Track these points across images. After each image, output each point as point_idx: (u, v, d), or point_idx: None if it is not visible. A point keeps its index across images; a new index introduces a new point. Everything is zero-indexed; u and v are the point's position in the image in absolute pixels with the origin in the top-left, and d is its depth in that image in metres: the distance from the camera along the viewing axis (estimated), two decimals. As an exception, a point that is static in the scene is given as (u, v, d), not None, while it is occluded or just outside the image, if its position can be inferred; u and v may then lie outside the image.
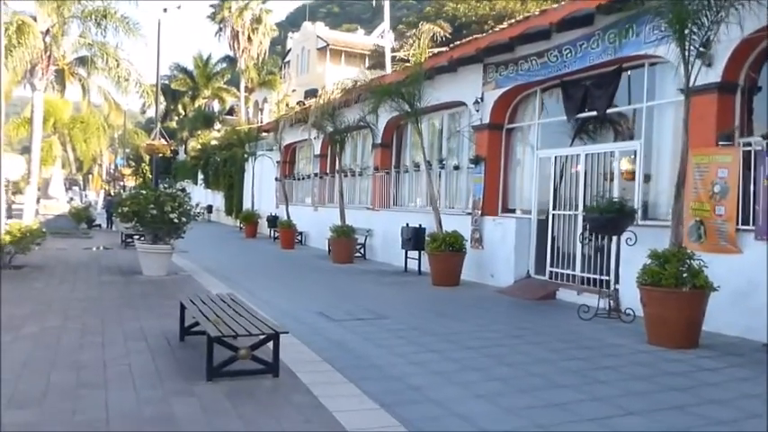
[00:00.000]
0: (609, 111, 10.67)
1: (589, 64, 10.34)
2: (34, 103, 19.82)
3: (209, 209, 37.99)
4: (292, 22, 79.01)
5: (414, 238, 14.18)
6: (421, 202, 15.91)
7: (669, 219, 8.92)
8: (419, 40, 12.37)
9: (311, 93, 43.93)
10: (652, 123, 9.93)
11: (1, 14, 12.33)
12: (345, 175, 18.34)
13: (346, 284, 12.59)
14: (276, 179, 26.70)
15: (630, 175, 10.16)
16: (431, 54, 13.14)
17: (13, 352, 6.22)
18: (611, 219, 8.65)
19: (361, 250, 17.46)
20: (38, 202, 24.59)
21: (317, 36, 50.21)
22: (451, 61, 13.10)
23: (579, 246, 10.83)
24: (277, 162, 26.69)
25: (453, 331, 8.07)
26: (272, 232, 24.81)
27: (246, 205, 29.31)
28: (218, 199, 37.94)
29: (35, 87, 19.90)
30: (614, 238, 9.27)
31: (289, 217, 21.31)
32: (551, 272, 11.51)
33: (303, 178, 24.56)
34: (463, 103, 14.07)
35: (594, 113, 10.91)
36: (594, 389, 5.71)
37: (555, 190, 11.59)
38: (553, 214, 11.56)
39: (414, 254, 14.42)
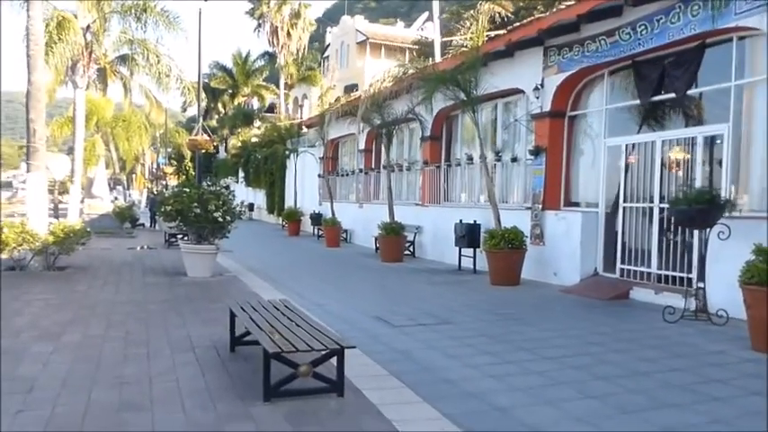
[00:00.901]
0: (690, 92, 9.70)
1: (668, 40, 9.40)
2: (76, 101, 19.60)
3: (251, 207, 37.73)
4: (329, 18, 78.68)
5: (468, 235, 13.41)
6: (474, 196, 15.09)
7: (765, 210, 8.03)
8: (476, 21, 11.53)
9: (351, 88, 43.42)
10: (741, 104, 8.95)
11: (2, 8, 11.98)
12: (392, 170, 17.60)
13: (399, 285, 11.89)
14: (319, 176, 26.13)
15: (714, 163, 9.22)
16: (486, 38, 12.30)
17: (52, 365, 5.67)
18: (701, 210, 7.74)
19: (410, 248, 16.75)
20: (82, 201, 24.53)
21: (357, 30, 49.58)
22: (509, 45, 12.26)
23: (655, 241, 9.93)
24: (320, 158, 26.13)
25: (526, 337, 7.29)
26: (316, 230, 24.26)
27: (289, 203, 28.88)
28: (258, 197, 37.68)
29: (77, 85, 19.69)
30: (695, 233, 8.37)
31: (333, 214, 20.70)
32: (622, 269, 10.62)
33: (347, 174, 23.94)
34: (520, 91, 13.22)
35: (673, 95, 9.96)
36: (711, 408, 4.89)
37: (625, 181, 10.67)
38: (624, 207, 10.65)
39: (468, 251, 13.65)
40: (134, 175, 59.62)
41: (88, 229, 18.86)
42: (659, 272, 9.85)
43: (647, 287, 9.84)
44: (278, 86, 50.34)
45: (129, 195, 51.43)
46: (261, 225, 32.41)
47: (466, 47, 11.95)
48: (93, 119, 26.54)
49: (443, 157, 16.76)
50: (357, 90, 33.88)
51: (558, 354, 6.53)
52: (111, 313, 8.27)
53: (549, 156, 12.05)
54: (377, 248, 17.94)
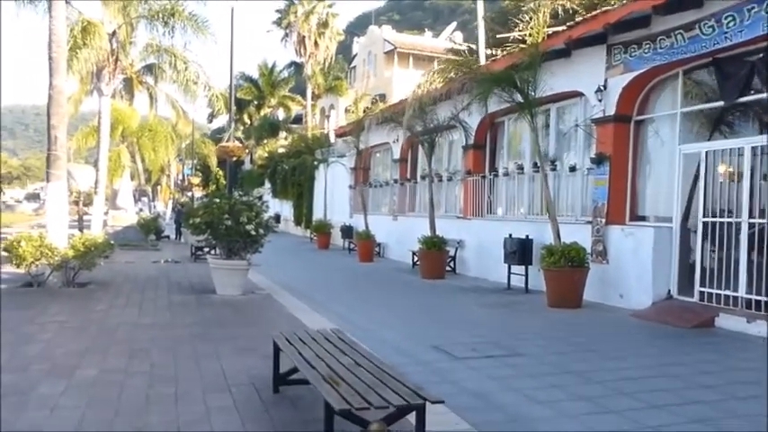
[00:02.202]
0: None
1: (762, 33, 8.25)
2: (101, 109, 18.88)
3: (277, 218, 36.91)
4: (355, 29, 78.16)
5: (519, 251, 12.30)
6: (523, 209, 13.97)
7: None
8: (537, 15, 10.47)
9: (379, 98, 42.56)
10: None
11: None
12: (434, 180, 16.52)
13: (447, 306, 10.80)
14: (350, 187, 25.17)
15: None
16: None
17: (61, 411, 4.69)
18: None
19: (451, 263, 15.66)
20: (106, 213, 23.86)
21: (384, 39, 48.76)
22: (569, 43, 11.19)
23: (744, 260, 8.74)
24: (351, 168, 25.18)
25: (619, 376, 6.16)
26: (347, 243, 23.27)
27: (318, 215, 27.95)
28: (285, 208, 36.85)
29: (102, 93, 18.98)
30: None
31: (367, 227, 19.69)
32: (702, 292, 9.42)
33: (380, 186, 22.92)
34: (576, 94, 12.14)
35: (765, 95, 8.80)
36: None
37: (705, 192, 9.51)
38: (704, 222, 9.48)
39: (518, 269, 12.54)
40: (159, 187, 59.31)
41: (112, 242, 18.09)
42: (749, 296, 8.65)
43: (735, 314, 8.64)
44: (304, 97, 49.70)
45: (155, 207, 51.01)
46: (288, 237, 31.50)
47: (522, 44, 10.86)
48: (118, 128, 25.91)
49: (487, 166, 15.69)
50: (385, 100, 33.00)
51: (669, 400, 5.39)
52: (133, 339, 7.30)
53: (613, 164, 10.92)
54: (414, 264, 16.89)
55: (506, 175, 14.43)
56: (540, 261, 10.87)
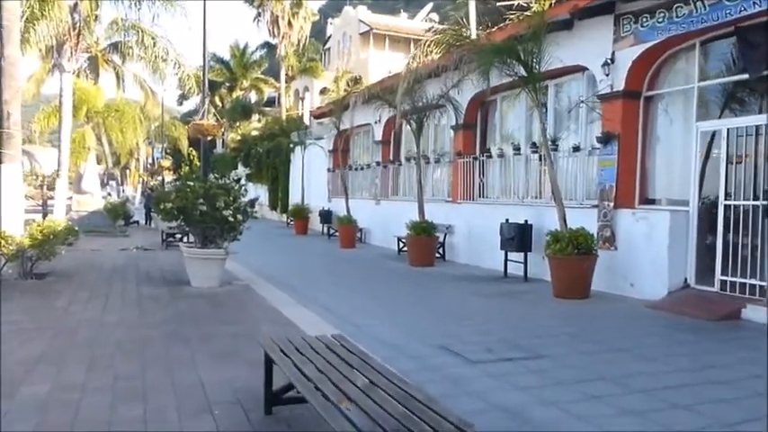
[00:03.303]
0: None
1: (799, -4, 7.47)
2: (62, 86, 17.56)
3: (252, 203, 35.70)
4: (329, 10, 76.42)
5: (518, 237, 11.50)
6: (520, 192, 13.14)
7: None
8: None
9: (354, 80, 41.39)
10: None
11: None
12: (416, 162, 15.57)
13: (445, 297, 9.94)
14: (328, 170, 24.15)
15: None
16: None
17: (-3, 445, 3.72)
18: None
19: (440, 250, 14.80)
20: (70, 198, 22.54)
21: (359, 20, 47.50)
22: (574, 12, 10.32)
23: (770, 247, 8.04)
24: (329, 151, 24.15)
25: (661, 383, 5.34)
26: (326, 228, 22.29)
27: (295, 199, 26.88)
28: (260, 192, 35.63)
29: (63, 69, 17.64)
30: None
31: (349, 212, 18.72)
32: (724, 281, 8.70)
33: (360, 168, 21.93)
34: (579, 69, 11.30)
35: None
36: None
37: (727, 173, 8.76)
38: (725, 205, 8.73)
39: (516, 255, 11.75)
40: (128, 171, 57.52)
41: (76, 228, 16.87)
42: (777, 285, 7.95)
43: (763, 305, 7.91)
44: (277, 79, 48.30)
45: (123, 191, 49.32)
46: (264, 222, 30.28)
47: (524, 11, 9.94)
48: (83, 108, 24.45)
49: (478, 147, 14.83)
50: (361, 82, 31.87)
51: (736, 415, 4.60)
52: (95, 343, 6.30)
53: (622, 143, 10.13)
54: (400, 250, 16.03)
55: (501, 156, 13.56)
56: (544, 248, 10.04)
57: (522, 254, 11.57)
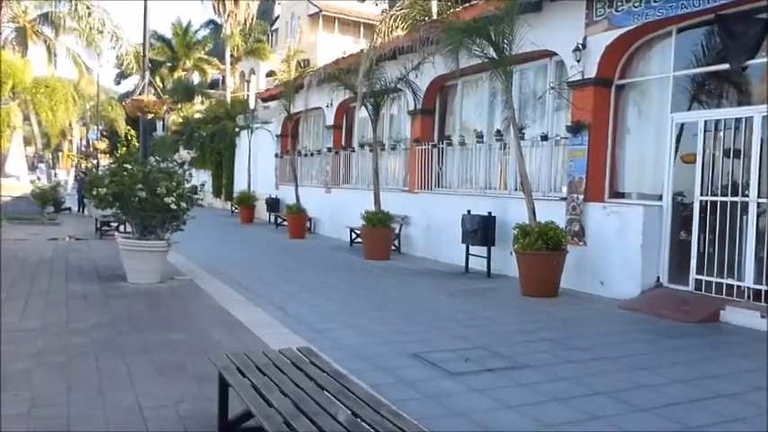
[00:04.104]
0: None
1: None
2: (-15, 58, 16.03)
3: (195, 190, 34.27)
4: (276, -8, 74.45)
5: (481, 230, 10.94)
6: (481, 182, 12.57)
7: None
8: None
9: (302, 63, 40.18)
10: None
11: None
12: (371, 149, 14.81)
13: (407, 294, 9.28)
14: (276, 156, 23.16)
15: None
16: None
17: None
18: None
19: (395, 242, 14.14)
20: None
21: (309, 1, 46.25)
22: (545, -7, 9.76)
23: (751, 246, 7.68)
24: (277, 136, 23.15)
25: (663, 398, 4.80)
26: (273, 217, 21.35)
27: (240, 186, 25.77)
28: (203, 178, 34.22)
29: (-14, 39, 16.09)
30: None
31: (298, 200, 17.85)
32: (699, 281, 8.33)
33: (310, 155, 21.03)
34: (547, 54, 10.77)
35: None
36: None
37: (703, 167, 8.37)
38: (701, 201, 8.35)
39: (476, 250, 11.21)
40: (60, 153, 54.75)
41: (-2, 215, 15.54)
42: (758, 287, 7.60)
43: (743, 306, 7.56)
44: (222, 61, 46.59)
45: (55, 175, 46.78)
46: (207, 210, 29.06)
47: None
48: (7, 83, 22.64)
49: (436, 134, 14.20)
50: (309, 65, 30.81)
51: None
52: (9, 356, 5.36)
53: (592, 134, 9.65)
54: (352, 241, 15.32)
55: (462, 144, 12.95)
56: (512, 242, 9.49)
57: (485, 248, 11.02)
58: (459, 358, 5.77)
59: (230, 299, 8.32)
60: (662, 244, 8.82)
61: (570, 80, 9.98)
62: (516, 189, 11.55)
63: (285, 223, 19.06)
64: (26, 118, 30.15)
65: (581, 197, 9.68)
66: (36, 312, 7.15)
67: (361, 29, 46.45)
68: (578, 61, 9.77)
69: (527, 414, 4.40)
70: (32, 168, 42.76)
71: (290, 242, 16.68)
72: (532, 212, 9.35)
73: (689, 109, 8.88)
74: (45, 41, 29.18)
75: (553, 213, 9.72)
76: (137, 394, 4.46)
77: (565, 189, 10.08)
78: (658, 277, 8.84)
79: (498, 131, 11.84)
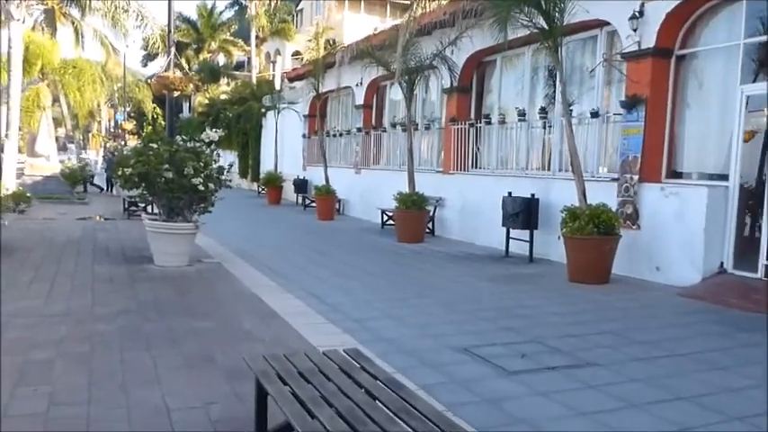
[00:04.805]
0: None
1: None
2: (11, 36, 15.73)
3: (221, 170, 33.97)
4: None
5: (524, 213, 10.33)
6: (522, 162, 11.93)
7: None
8: None
9: (330, 42, 39.54)
10: None
11: None
12: (403, 129, 14.17)
13: (447, 281, 8.71)
14: (303, 136, 22.66)
15: None
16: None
17: None
18: None
19: (429, 224, 13.57)
20: (22, 162, 20.73)
21: (335, -21, 45.42)
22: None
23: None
24: (304, 116, 22.64)
25: (758, 405, 4.22)
26: (301, 198, 20.91)
27: (267, 166, 25.36)
28: (229, 159, 33.90)
29: (12, 16, 15.77)
30: None
31: (328, 181, 17.35)
32: (769, 267, 7.66)
33: (340, 135, 20.49)
34: (598, 24, 10.06)
35: None
36: None
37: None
38: (774, 181, 7.65)
39: (517, 233, 10.62)
40: (90, 134, 55.01)
41: (28, 194, 15.27)
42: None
43: (820, 295, 6.89)
44: (247, 42, 46.20)
45: (86, 155, 46.87)
46: (234, 191, 28.68)
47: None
48: (37, 63, 22.44)
49: (473, 112, 13.55)
50: (335, 45, 30.19)
51: None
52: (31, 344, 4.96)
53: (649, 109, 8.95)
54: (384, 223, 14.80)
55: (502, 122, 12.29)
56: (560, 226, 8.87)
57: (527, 231, 10.42)
58: (514, 353, 5.23)
59: (260, 284, 7.86)
60: (727, 227, 8.14)
61: (625, 51, 9.27)
62: (561, 170, 10.91)
63: (313, 204, 18.62)
64: (56, 99, 30.02)
65: (635, 177, 9.02)
66: (61, 296, 6.76)
67: (388, 7, 45.62)
68: (635, 30, 9.05)
69: (605, 423, 3.85)
70: (63, 149, 42.91)
71: (320, 224, 16.21)
72: (583, 194, 8.71)
73: (762, 80, 8.11)
74: (73, 23, 28.92)
75: (603, 195, 9.07)
76: (163, 392, 4.00)
77: (608, 169, 9.39)
78: (722, 263, 8.17)
79: (542, 108, 11.18)
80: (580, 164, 8.94)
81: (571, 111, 10.15)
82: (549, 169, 11.32)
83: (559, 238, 8.95)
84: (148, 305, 6.44)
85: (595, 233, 8.41)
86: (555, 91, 11.25)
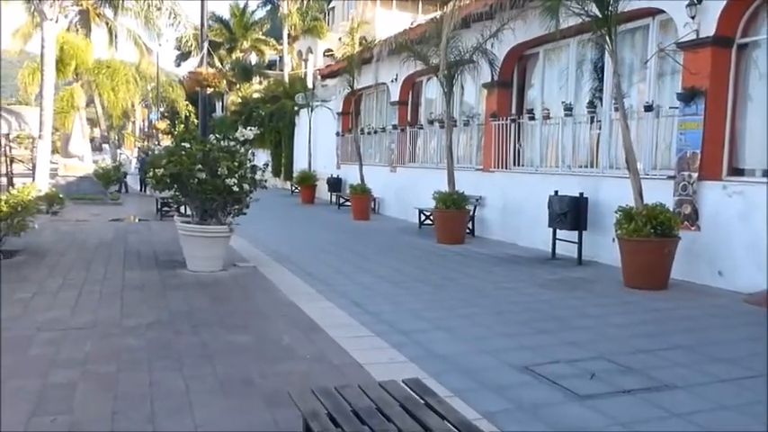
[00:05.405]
0: None
1: None
2: (44, 35, 15.63)
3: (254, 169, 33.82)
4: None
5: (572, 213, 9.77)
6: (568, 159, 11.35)
7: None
8: None
9: (362, 40, 39.13)
10: None
11: None
12: (441, 126, 13.63)
13: (493, 286, 8.20)
14: (337, 134, 22.29)
15: None
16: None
17: None
18: None
19: (469, 224, 13.05)
20: (55, 162, 20.77)
21: (366, -24, 44.97)
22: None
23: None
24: (338, 114, 22.26)
25: None
26: (336, 198, 20.56)
27: (300, 165, 25.08)
28: (262, 157, 33.77)
29: (45, 16, 15.67)
30: None
31: (363, 180, 16.93)
32: None
33: (374, 132, 20.05)
34: (651, 12, 9.45)
35: None
36: None
37: None
38: None
39: (566, 233, 10.06)
40: (124, 134, 55.54)
41: (61, 195, 15.20)
42: None
43: None
44: (278, 41, 46.12)
45: (121, 155, 47.24)
46: (268, 190, 28.53)
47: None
48: (71, 64, 22.44)
49: (514, 108, 12.99)
50: (367, 42, 29.76)
51: None
52: (51, 363, 4.62)
53: (708, 102, 8.32)
54: (421, 223, 14.34)
55: (547, 117, 11.70)
56: (614, 227, 8.30)
57: (575, 232, 9.87)
58: (581, 373, 4.73)
59: (298, 291, 7.46)
60: (798, 230, 7.49)
61: (682, 40, 8.64)
62: (611, 167, 10.31)
63: (348, 204, 18.23)
64: (91, 101, 30.15)
65: (694, 175, 8.40)
66: (89, 305, 6.44)
67: (420, 4, 45.05)
68: (692, 18, 8.42)
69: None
70: (98, 149, 43.27)
71: (355, 224, 15.80)
72: (639, 194, 8.12)
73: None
74: (107, 23, 29.07)
75: (657, 194, 8.46)
76: (196, 424, 3.60)
77: (660, 166, 8.78)
78: (793, 268, 7.52)
79: (590, 103, 10.59)
80: (636, 161, 8.34)
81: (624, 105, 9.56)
82: (596, 166, 10.72)
83: (614, 240, 8.38)
84: (181, 316, 6.08)
85: (653, 235, 7.83)
86: (603, 84, 10.66)
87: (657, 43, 9.38)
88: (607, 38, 8.03)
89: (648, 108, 9.38)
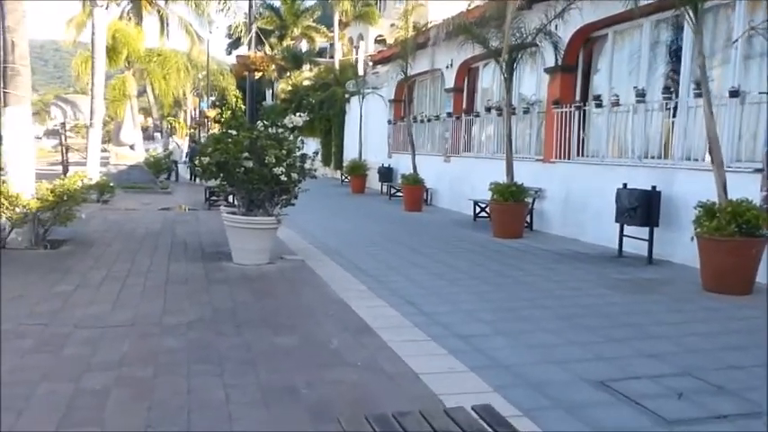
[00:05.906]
0: None
1: None
2: (95, 22, 15.59)
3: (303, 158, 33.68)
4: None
5: (643, 208, 9.05)
6: (639, 150, 10.57)
7: None
8: None
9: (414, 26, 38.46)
10: None
11: None
12: (499, 114, 12.99)
13: (558, 287, 7.59)
14: (389, 122, 21.80)
15: None
16: None
17: None
18: None
19: (527, 218, 12.40)
20: (106, 150, 20.92)
21: (419, -39, 44.18)
22: None
23: None
24: (390, 101, 21.77)
25: None
26: (387, 188, 20.09)
27: (350, 154, 24.71)
28: (312, 146, 33.60)
29: (95, 3, 15.62)
30: None
31: (416, 170, 16.41)
32: None
33: (428, 120, 19.47)
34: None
35: None
36: None
37: None
38: None
39: (635, 230, 9.35)
40: (176, 123, 56.28)
41: (111, 184, 15.18)
42: None
43: None
44: (329, 28, 45.84)
45: (173, 143, 47.91)
46: (318, 179, 28.32)
47: None
48: (122, 52, 22.56)
49: (578, 94, 12.26)
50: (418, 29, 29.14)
51: None
52: (88, 366, 4.28)
53: (804, 87, 7.51)
54: (476, 216, 13.75)
55: (616, 104, 10.93)
56: (694, 224, 7.58)
57: (646, 229, 9.15)
58: (666, 391, 4.14)
59: (348, 287, 7.03)
60: None
61: (772, 19, 7.83)
62: (687, 158, 9.53)
63: (399, 194, 17.76)
64: (143, 90, 30.43)
65: (785, 168, 7.60)
66: (130, 300, 6.15)
67: (475, -11, 44.04)
68: (785, -7, 7.60)
69: None
70: (150, 138, 43.85)
71: (407, 215, 15.31)
72: (723, 188, 7.38)
73: None
74: (158, 11, 29.21)
75: (741, 188, 7.68)
76: (235, 442, 3.19)
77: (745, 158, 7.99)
78: None
79: (666, 88, 9.81)
80: (721, 152, 7.59)
81: (698, 92, 8.77)
82: (669, 157, 9.95)
83: (693, 239, 7.65)
84: (224, 314, 5.71)
85: (737, 234, 7.10)
86: (681, 67, 9.85)
87: (748, 21, 8.53)
88: (692, 13, 7.28)
89: (734, 93, 8.56)
